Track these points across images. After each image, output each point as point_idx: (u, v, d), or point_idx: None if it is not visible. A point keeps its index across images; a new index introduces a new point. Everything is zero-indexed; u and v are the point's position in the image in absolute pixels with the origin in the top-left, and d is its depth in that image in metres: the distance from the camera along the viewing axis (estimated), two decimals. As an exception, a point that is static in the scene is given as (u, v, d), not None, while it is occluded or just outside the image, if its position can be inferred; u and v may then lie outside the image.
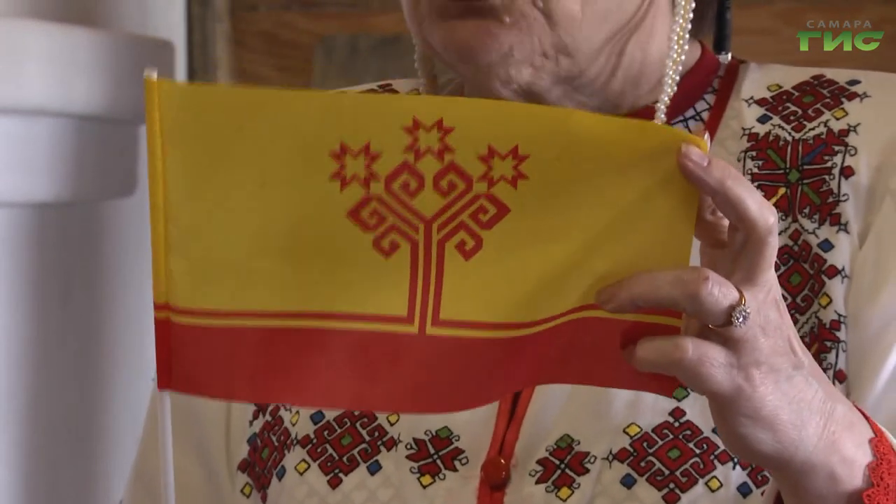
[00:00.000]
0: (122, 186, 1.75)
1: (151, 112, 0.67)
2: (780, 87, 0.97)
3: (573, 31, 0.91)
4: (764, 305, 0.72)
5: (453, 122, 0.69)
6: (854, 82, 0.95)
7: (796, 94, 0.97)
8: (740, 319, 0.70)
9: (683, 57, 0.95)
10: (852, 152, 0.92)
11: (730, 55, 1.00)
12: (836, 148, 0.93)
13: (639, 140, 0.70)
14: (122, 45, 1.74)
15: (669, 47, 0.95)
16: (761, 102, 0.97)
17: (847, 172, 0.91)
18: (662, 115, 0.93)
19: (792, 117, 0.96)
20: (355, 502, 0.92)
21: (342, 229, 0.70)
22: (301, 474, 0.94)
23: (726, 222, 0.71)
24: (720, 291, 0.68)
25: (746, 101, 0.97)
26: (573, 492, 0.87)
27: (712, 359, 0.70)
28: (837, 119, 0.94)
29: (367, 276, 0.72)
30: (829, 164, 0.93)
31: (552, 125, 0.70)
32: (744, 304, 0.70)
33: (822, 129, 0.94)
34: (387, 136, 0.69)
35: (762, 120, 0.95)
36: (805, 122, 0.94)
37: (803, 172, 0.94)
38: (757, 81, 0.98)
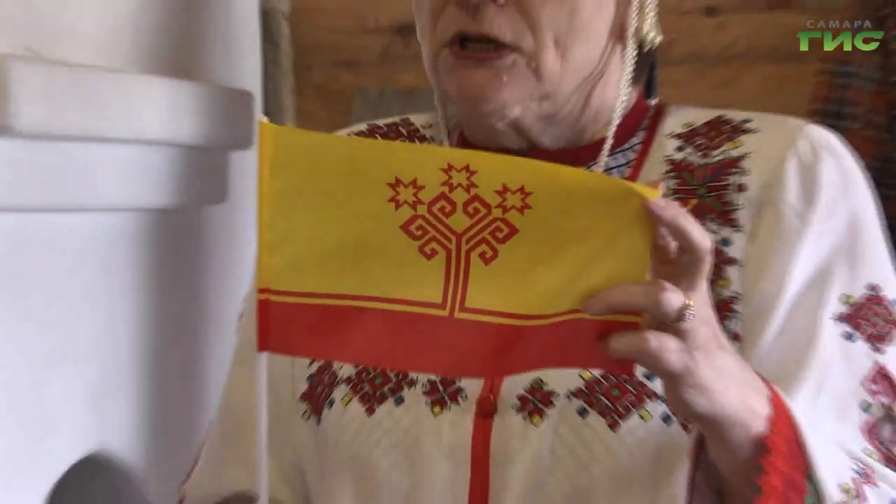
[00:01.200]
0: (216, 196, 1.90)
1: (263, 148, 0.80)
2: (692, 125, 1.10)
3: (554, 83, 1.03)
4: (702, 305, 0.82)
5: (477, 167, 0.79)
6: (747, 121, 1.08)
7: (704, 129, 1.09)
8: (689, 317, 0.80)
9: (626, 98, 1.08)
10: (746, 173, 1.05)
11: (657, 99, 1.15)
12: (734, 170, 1.05)
13: (611, 188, 0.80)
14: (216, 94, 1.84)
15: (618, 93, 1.07)
16: (678, 136, 1.09)
17: (741, 188, 1.04)
18: (609, 146, 1.08)
19: (701, 147, 1.09)
20: (384, 426, 1.06)
21: (396, 238, 0.81)
22: (345, 405, 1.08)
23: (672, 246, 0.82)
24: (674, 297, 0.79)
25: (668, 135, 1.09)
26: (543, 419, 1.01)
27: (669, 347, 0.81)
28: (735, 148, 1.06)
29: (413, 273, 0.83)
30: (728, 182, 1.05)
31: (548, 174, 0.80)
32: (691, 306, 0.81)
33: (723, 155, 1.07)
34: (429, 174, 0.79)
35: (678, 149, 1.09)
36: (710, 151, 1.08)
37: (709, 188, 1.05)
38: (675, 120, 1.11)
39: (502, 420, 1.03)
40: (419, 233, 0.82)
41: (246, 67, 2.07)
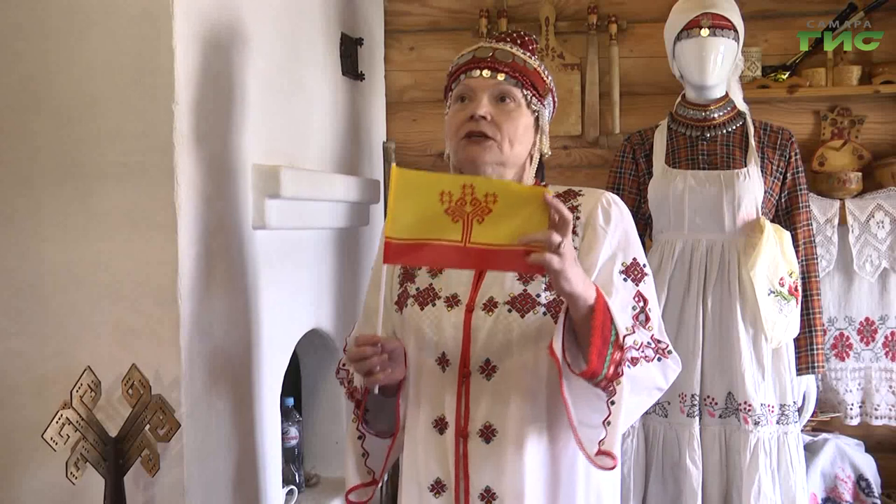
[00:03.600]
0: (363, 221, 2.74)
1: (392, 176, 1.21)
2: (559, 191, 1.50)
3: (507, 157, 1.44)
4: (567, 243, 1.19)
5: (475, 184, 1.20)
6: (581, 190, 1.49)
7: (563, 194, 1.50)
8: (562, 247, 1.17)
9: (532, 180, 1.47)
10: (580, 212, 1.45)
11: (545, 182, 1.50)
12: (576, 211, 1.46)
13: (531, 190, 1.19)
14: (364, 181, 2.65)
15: (529, 178, 1.48)
16: (557, 196, 1.46)
17: (579, 218, 1.45)
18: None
19: (565, 199, 1.47)
20: (427, 314, 1.46)
21: (442, 215, 1.19)
22: (411, 306, 1.48)
23: (555, 217, 1.17)
24: (556, 238, 1.17)
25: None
26: (492, 313, 1.40)
27: (553, 258, 1.17)
28: (577, 201, 1.46)
29: (448, 228, 1.19)
30: (576, 215, 1.46)
31: (505, 186, 1.20)
32: (563, 243, 1.17)
33: (570, 204, 1.46)
34: (455, 190, 1.19)
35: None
36: (566, 203, 1.47)
37: None
38: (552, 190, 1.45)
39: (476, 313, 1.41)
40: (452, 213, 1.16)
41: (376, 170, 3.03)
